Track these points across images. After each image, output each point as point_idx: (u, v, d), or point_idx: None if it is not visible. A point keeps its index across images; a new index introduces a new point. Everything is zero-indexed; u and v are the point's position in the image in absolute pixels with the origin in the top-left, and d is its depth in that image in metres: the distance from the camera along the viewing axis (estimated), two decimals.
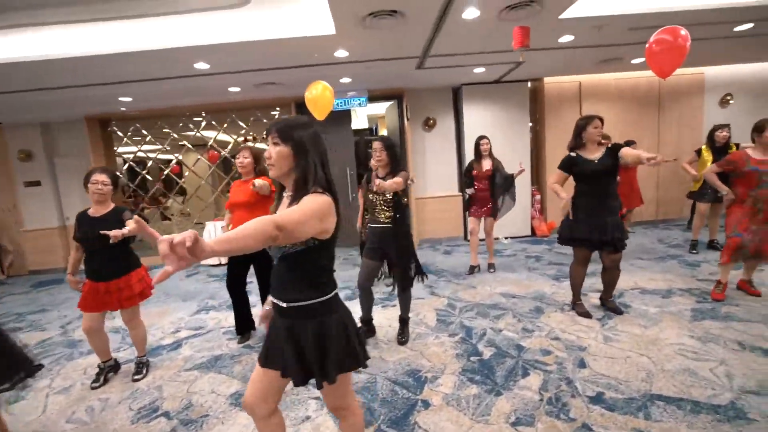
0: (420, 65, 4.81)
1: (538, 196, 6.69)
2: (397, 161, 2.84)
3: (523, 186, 6.38)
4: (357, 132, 11.96)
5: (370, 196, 2.88)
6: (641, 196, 5.79)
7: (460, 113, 6.25)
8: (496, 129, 6.22)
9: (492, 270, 4.63)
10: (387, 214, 2.83)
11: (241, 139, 6.77)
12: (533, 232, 6.50)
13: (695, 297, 3.42)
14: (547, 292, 3.80)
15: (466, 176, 4.53)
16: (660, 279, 3.96)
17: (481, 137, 4.45)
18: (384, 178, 2.76)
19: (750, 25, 4.17)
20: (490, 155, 4.48)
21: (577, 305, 3.27)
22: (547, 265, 4.68)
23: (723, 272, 3.32)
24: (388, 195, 2.80)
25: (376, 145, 2.82)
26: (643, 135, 6.46)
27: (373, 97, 6.27)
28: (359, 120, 10.52)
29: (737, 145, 4.53)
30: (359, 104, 6.00)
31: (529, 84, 6.53)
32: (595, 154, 2.99)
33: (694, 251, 4.74)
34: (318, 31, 3.41)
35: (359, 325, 3.12)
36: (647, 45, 2.92)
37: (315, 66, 4.42)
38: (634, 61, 5.39)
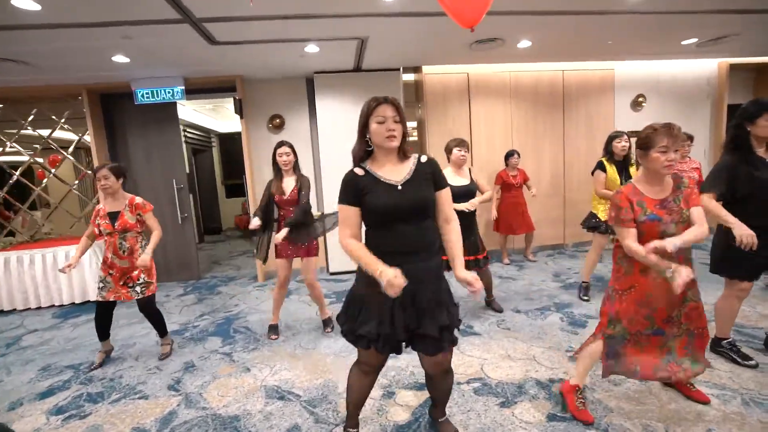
0: (210, 39, 3.34)
1: None
2: None
3: None
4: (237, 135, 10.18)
5: None
6: (530, 220, 4.88)
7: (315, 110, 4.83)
8: None
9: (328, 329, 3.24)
10: None
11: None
12: None
13: (550, 402, 2.11)
14: (341, 385, 2.39)
15: (264, 202, 3.08)
16: (521, 356, 2.64)
17: (281, 144, 3.04)
18: None
19: None
20: (296, 171, 3.09)
21: None
22: None
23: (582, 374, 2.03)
24: None
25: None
26: (545, 139, 5.29)
27: (201, 89, 4.78)
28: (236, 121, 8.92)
29: (638, 163, 3.37)
30: (172, 96, 4.45)
31: (412, 77, 5.24)
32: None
33: (586, 298, 3.51)
34: None
35: None
36: None
37: (20, 30, 2.86)
38: (520, 45, 4.16)
